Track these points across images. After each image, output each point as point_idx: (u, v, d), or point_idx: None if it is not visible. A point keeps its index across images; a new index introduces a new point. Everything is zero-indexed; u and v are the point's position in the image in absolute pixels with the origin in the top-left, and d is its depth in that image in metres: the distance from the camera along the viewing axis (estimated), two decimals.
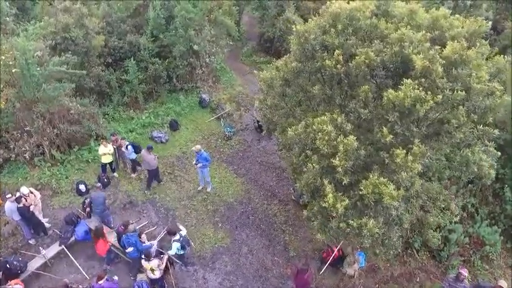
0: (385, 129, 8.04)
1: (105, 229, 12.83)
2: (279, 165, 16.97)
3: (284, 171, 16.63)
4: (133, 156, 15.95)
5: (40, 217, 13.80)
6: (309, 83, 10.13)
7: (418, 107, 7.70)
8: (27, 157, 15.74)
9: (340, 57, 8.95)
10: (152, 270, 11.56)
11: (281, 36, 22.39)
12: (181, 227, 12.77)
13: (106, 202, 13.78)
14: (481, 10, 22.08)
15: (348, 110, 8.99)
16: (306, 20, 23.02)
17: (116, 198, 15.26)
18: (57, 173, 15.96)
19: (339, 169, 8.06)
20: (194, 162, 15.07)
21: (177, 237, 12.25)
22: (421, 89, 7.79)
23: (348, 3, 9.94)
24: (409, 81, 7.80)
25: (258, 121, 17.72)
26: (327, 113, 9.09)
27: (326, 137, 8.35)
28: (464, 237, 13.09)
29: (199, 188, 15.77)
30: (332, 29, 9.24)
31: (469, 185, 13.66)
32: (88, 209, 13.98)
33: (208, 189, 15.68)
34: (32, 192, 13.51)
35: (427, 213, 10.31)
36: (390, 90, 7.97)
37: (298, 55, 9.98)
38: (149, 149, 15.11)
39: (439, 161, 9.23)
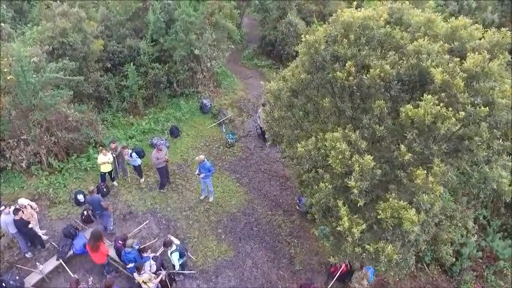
0: (402, 147, 7.45)
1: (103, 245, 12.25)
2: (283, 173, 16.38)
3: (288, 180, 16.05)
4: (139, 162, 15.37)
5: (37, 229, 13.20)
6: (318, 94, 9.53)
7: (439, 124, 7.11)
8: (24, 166, 15.13)
9: (353, 69, 8.35)
10: (144, 282, 11.05)
11: (283, 40, 21.75)
12: (173, 238, 12.28)
13: (102, 203, 13.11)
14: (486, 12, 21.53)
15: (361, 125, 8.38)
16: (308, 23, 22.59)
17: (115, 208, 14.63)
18: (55, 181, 15.35)
19: (354, 190, 7.47)
20: (196, 172, 14.47)
21: (174, 247, 11.84)
22: (441, 104, 7.20)
23: (360, 10, 9.35)
24: (429, 97, 7.20)
25: (261, 128, 17.12)
26: (338, 128, 8.49)
27: (340, 156, 7.75)
28: (477, 251, 12.53)
29: (202, 197, 15.16)
30: (344, 39, 8.62)
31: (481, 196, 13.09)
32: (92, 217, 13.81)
33: (211, 199, 15.07)
34: (28, 204, 12.96)
35: (441, 230, 9.73)
36: (409, 106, 7.37)
37: (307, 66, 9.37)
38: (157, 147, 14.79)
39: (458, 177, 8.61)
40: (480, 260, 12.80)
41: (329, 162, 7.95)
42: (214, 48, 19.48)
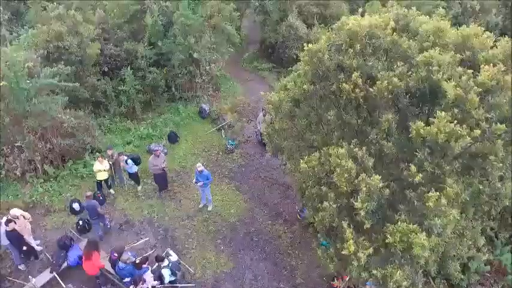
0: (413, 167, 6.89)
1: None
2: (283, 181, 15.78)
3: (289, 188, 15.46)
4: (135, 169, 14.86)
5: (30, 239, 12.68)
6: (322, 105, 8.98)
7: (452, 143, 6.56)
8: (18, 174, 14.65)
9: (359, 81, 7.79)
10: None
11: (283, 43, 21.10)
12: (171, 252, 11.82)
13: (99, 209, 12.83)
14: (490, 15, 20.98)
15: (368, 140, 7.83)
16: (309, 26, 21.97)
17: (111, 217, 14.10)
18: (50, 189, 14.85)
19: (361, 212, 6.93)
20: (194, 181, 13.93)
21: (166, 263, 11.40)
22: (455, 122, 6.65)
23: (364, 17, 8.80)
24: (442, 114, 6.64)
25: (261, 133, 16.54)
26: (343, 142, 7.95)
27: (345, 174, 7.21)
28: (485, 265, 11.97)
29: (200, 206, 14.61)
30: (349, 49, 8.06)
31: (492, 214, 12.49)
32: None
33: (209, 208, 14.52)
34: (21, 215, 12.44)
35: (449, 247, 9.19)
36: (420, 123, 6.82)
37: (310, 76, 8.81)
38: (154, 153, 14.36)
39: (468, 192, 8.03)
40: (488, 274, 12.24)
41: (334, 180, 7.42)
42: (214, 51, 18.91)
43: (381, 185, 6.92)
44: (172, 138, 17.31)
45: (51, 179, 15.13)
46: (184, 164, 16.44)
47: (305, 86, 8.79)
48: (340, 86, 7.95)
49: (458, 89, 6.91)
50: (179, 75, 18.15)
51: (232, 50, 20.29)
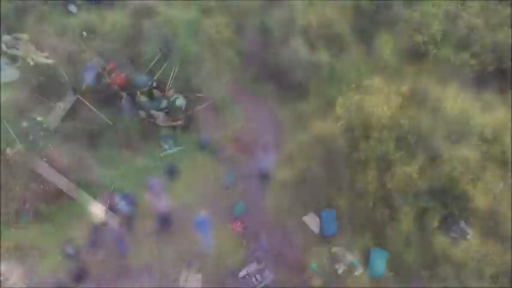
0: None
1: None
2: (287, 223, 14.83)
3: (293, 232, 14.49)
4: (128, 210, 14.04)
5: None
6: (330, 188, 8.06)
7: (485, 266, 5.68)
8: (10, 216, 13.79)
9: (374, 174, 6.84)
10: None
11: (286, 67, 19.80)
12: None
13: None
14: (503, 34, 19.77)
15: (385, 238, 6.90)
16: (313, 46, 20.69)
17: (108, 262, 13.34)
18: (45, 231, 14.03)
19: None
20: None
21: None
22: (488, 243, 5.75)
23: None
24: (475, 242, 5.72)
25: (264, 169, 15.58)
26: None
27: None
28: None
29: (199, 252, 13.80)
30: (368, 140, 7.07)
31: None
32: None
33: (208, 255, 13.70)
34: None
35: None
36: (444, 240, 5.92)
37: (321, 157, 7.86)
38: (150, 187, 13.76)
39: None
40: None
41: None
42: (214, 77, 17.88)
43: None
44: (171, 171, 16.36)
45: (45, 219, 14.29)
46: (183, 201, 15.50)
47: (314, 168, 7.84)
48: (355, 177, 7.01)
49: (489, 198, 5.97)
50: None
51: (233, 76, 19.12)
